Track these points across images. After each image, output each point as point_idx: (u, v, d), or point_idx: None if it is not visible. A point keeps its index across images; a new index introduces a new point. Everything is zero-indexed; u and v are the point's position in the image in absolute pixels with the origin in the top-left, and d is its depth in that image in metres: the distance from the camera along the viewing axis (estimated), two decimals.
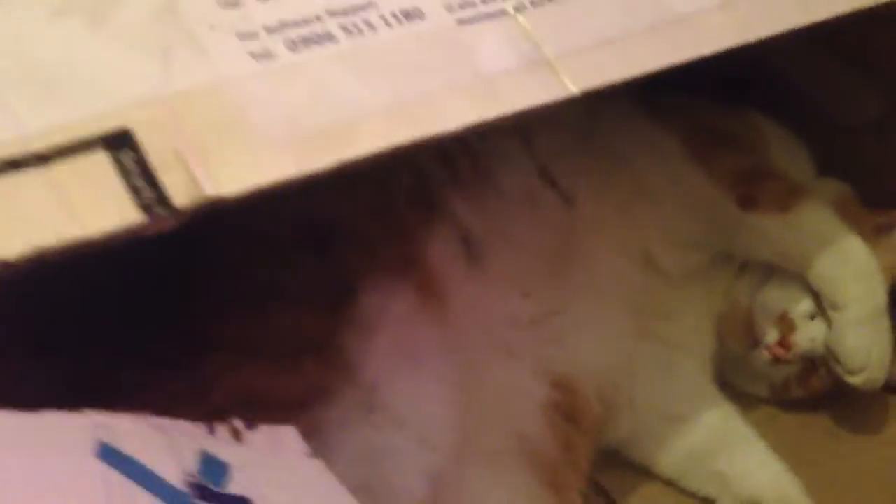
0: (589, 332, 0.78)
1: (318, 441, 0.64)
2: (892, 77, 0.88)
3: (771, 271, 0.83)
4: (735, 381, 0.87)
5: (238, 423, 0.50)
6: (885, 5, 0.64)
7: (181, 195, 0.42)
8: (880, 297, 0.79)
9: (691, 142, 0.83)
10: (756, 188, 0.81)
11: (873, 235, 0.82)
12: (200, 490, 0.44)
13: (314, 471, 0.52)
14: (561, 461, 0.76)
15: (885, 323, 0.79)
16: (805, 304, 0.81)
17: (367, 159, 0.46)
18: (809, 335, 0.80)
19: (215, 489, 0.45)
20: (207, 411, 0.54)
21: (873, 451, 0.84)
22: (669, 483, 0.83)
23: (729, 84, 0.89)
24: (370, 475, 0.65)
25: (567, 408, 0.77)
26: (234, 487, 0.46)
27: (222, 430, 0.49)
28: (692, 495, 0.82)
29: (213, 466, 0.46)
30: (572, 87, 0.54)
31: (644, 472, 0.83)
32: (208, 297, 0.68)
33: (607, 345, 0.79)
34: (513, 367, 0.76)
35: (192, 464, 0.45)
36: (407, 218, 0.74)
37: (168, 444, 0.44)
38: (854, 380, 0.78)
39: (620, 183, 0.81)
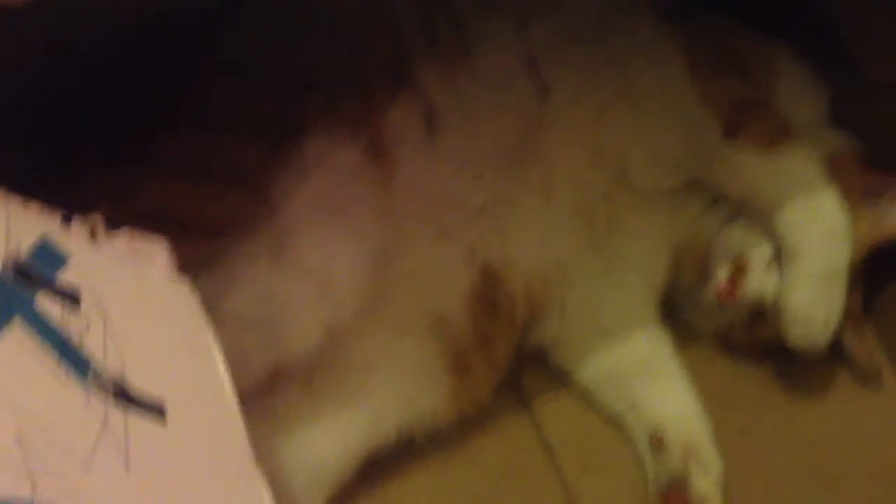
0: (532, 231, 0.77)
1: (220, 270, 0.66)
2: None
3: (739, 213, 0.80)
4: (684, 314, 0.85)
5: (99, 223, 0.52)
6: None
7: None
8: (840, 261, 0.75)
9: (695, 57, 0.79)
10: (745, 118, 0.77)
11: (859, 199, 0.78)
12: (23, 274, 0.46)
13: (172, 288, 0.53)
14: (473, 349, 0.77)
15: (839, 289, 0.75)
16: (764, 251, 0.77)
17: None
18: (759, 283, 0.77)
19: (41, 275, 0.47)
20: (122, 218, 0.56)
21: (802, 415, 0.81)
22: (584, 395, 0.82)
23: (767, 14, 0.84)
24: (264, 314, 0.66)
25: (491, 300, 0.77)
26: (67, 278, 0.48)
27: (80, 226, 0.51)
28: (602, 409, 0.81)
29: (48, 255, 0.48)
30: None
31: (563, 380, 0.83)
32: (155, 116, 0.69)
33: (548, 246, 0.78)
34: (445, 248, 0.75)
35: (24, 248, 0.46)
36: (374, 81, 0.73)
37: (3, 224, 0.46)
38: (793, 335, 0.75)
39: (607, 85, 0.78)
